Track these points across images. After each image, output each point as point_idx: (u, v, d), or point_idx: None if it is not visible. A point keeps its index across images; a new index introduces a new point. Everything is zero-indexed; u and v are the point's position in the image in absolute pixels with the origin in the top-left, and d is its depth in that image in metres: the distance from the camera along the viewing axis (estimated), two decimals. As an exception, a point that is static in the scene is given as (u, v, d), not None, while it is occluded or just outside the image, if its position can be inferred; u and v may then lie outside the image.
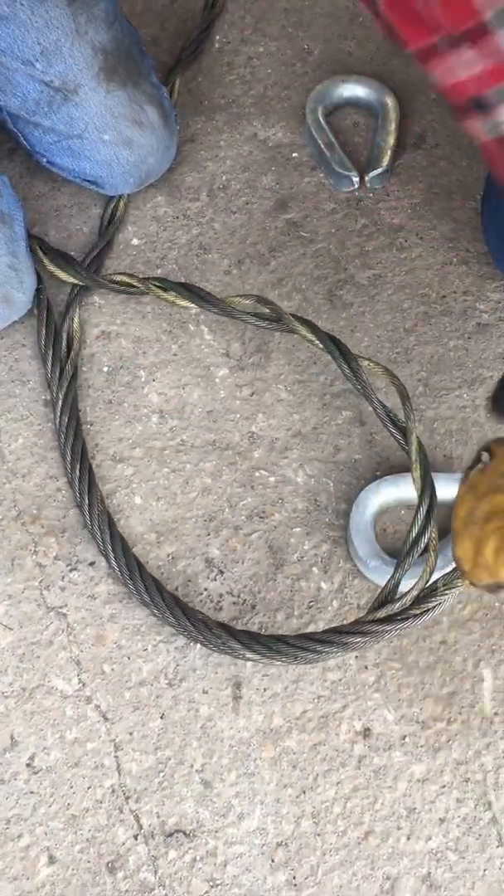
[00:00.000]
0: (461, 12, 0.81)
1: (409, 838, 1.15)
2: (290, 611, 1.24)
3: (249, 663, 1.21)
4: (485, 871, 1.15)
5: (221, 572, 1.26)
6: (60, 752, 1.17)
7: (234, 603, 1.25)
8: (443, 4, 0.81)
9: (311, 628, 1.23)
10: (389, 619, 1.13)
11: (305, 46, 1.61)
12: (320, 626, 1.24)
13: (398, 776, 1.17)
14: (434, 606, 1.12)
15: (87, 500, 1.25)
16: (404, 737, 1.19)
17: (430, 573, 1.15)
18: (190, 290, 1.31)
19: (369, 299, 1.42)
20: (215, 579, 1.26)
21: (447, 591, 1.12)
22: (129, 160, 1.36)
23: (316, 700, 1.20)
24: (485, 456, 1.03)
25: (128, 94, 1.32)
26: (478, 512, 1.00)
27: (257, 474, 1.31)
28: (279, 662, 1.16)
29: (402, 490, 1.26)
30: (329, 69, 1.58)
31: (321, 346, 1.26)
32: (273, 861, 1.14)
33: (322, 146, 1.49)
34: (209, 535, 1.28)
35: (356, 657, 1.21)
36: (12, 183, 1.36)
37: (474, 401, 1.36)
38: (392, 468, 1.31)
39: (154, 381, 1.35)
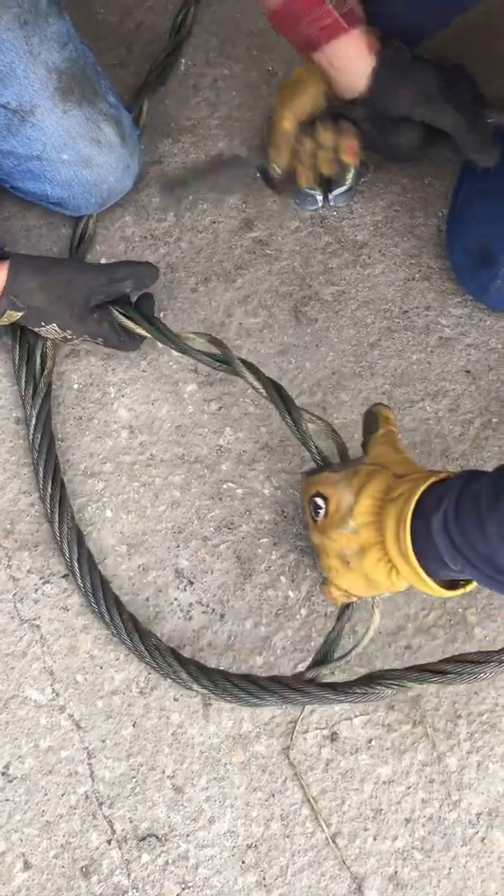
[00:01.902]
0: None
1: (375, 839, 1.21)
2: (259, 619, 1.31)
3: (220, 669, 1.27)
4: (450, 869, 1.21)
5: (191, 582, 1.32)
6: (35, 760, 1.23)
7: (203, 612, 1.31)
8: None
9: (279, 636, 1.30)
10: (332, 688, 1.18)
11: (270, 69, 1.68)
12: (289, 633, 1.30)
13: (365, 778, 1.24)
14: (376, 693, 1.16)
15: (57, 516, 1.31)
16: (370, 740, 1.25)
17: (374, 629, 1.19)
18: (149, 321, 1.36)
19: (333, 315, 1.49)
20: (185, 589, 1.32)
21: (392, 685, 1.16)
22: (89, 179, 1.42)
23: (283, 706, 1.26)
24: (320, 501, 1.15)
25: (84, 113, 1.38)
26: (348, 551, 1.11)
27: (225, 486, 1.38)
28: (223, 700, 1.22)
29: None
30: (293, 90, 1.65)
31: (264, 393, 1.29)
32: (243, 862, 1.20)
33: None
34: (178, 546, 1.34)
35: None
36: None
37: (437, 413, 1.43)
38: (357, 479, 1.38)
39: (123, 397, 1.42)
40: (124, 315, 1.35)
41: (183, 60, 1.67)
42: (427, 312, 1.50)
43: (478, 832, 1.23)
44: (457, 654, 1.16)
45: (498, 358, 1.46)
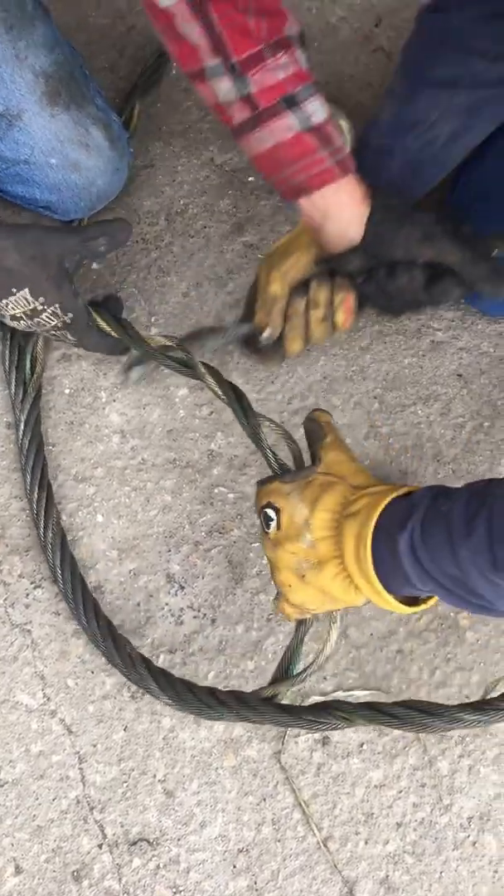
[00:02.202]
0: (274, 26, 1.12)
1: (367, 842, 1.22)
2: (250, 623, 1.31)
3: (211, 673, 1.28)
4: (441, 873, 1.22)
5: (182, 587, 1.33)
6: (26, 764, 1.23)
7: (194, 617, 1.31)
8: (268, 18, 1.11)
9: (270, 640, 1.30)
10: (286, 711, 1.16)
11: (261, 72, 1.68)
12: (280, 638, 1.31)
13: (356, 782, 1.24)
14: (327, 723, 1.14)
15: (43, 521, 1.31)
16: (362, 744, 1.26)
17: (331, 645, 1.16)
18: (121, 324, 1.33)
19: (325, 319, 1.49)
20: (176, 594, 1.32)
21: (343, 718, 1.13)
22: (78, 183, 1.42)
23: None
24: (271, 513, 1.12)
25: (72, 116, 1.38)
26: (304, 564, 1.09)
27: (216, 491, 1.38)
28: (185, 711, 1.21)
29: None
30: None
31: (224, 398, 1.26)
32: (235, 867, 1.20)
33: (278, 170, 1.56)
34: (170, 551, 1.35)
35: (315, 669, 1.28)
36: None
37: (429, 417, 1.43)
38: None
39: (115, 401, 1.42)
40: (94, 312, 1.33)
41: (174, 64, 1.68)
42: (419, 316, 1.50)
43: (469, 836, 1.23)
44: (411, 699, 1.14)
45: (490, 362, 1.47)
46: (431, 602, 1.07)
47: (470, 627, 1.32)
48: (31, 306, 1.26)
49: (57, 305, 1.26)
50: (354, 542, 1.03)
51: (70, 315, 1.27)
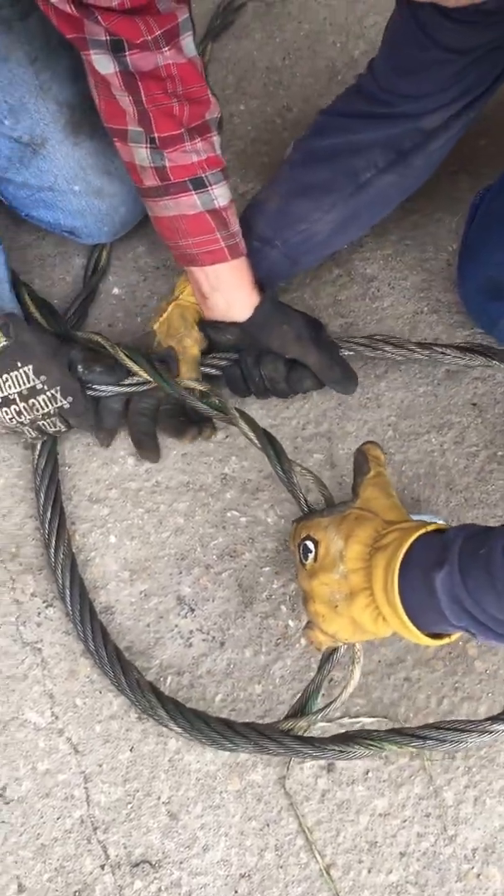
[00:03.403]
0: (197, 112, 1.20)
1: (370, 871, 1.18)
2: (259, 647, 1.28)
3: (218, 697, 1.24)
4: (444, 904, 1.17)
5: (192, 609, 1.30)
6: (32, 782, 1.20)
7: (203, 640, 1.28)
8: (192, 104, 1.19)
9: (278, 665, 1.27)
10: (308, 742, 1.14)
11: (285, 104, 1.67)
12: (288, 662, 1.27)
13: (361, 810, 1.20)
14: (352, 752, 1.12)
15: (54, 542, 1.29)
16: (367, 772, 1.22)
17: (353, 685, 1.15)
18: (151, 365, 1.32)
19: (342, 347, 1.46)
20: (186, 616, 1.29)
21: (370, 746, 1.12)
22: (101, 209, 1.41)
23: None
24: (310, 545, 1.11)
25: (95, 145, 1.37)
26: (337, 595, 1.08)
27: (229, 515, 1.35)
28: (197, 741, 1.18)
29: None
30: (307, 126, 1.63)
31: (257, 443, 1.25)
32: (236, 892, 1.16)
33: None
34: (181, 573, 1.32)
35: (322, 695, 1.24)
36: (-2, 233, 1.42)
37: (442, 445, 1.40)
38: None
39: (131, 424, 1.40)
40: (125, 354, 1.32)
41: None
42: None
43: (473, 868, 1.18)
44: (440, 720, 1.11)
45: (504, 392, 1.44)
46: (456, 637, 1.05)
47: (478, 657, 1.28)
48: (31, 385, 1.26)
49: (57, 388, 1.27)
50: (383, 574, 1.03)
51: (70, 399, 1.28)
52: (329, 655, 1.18)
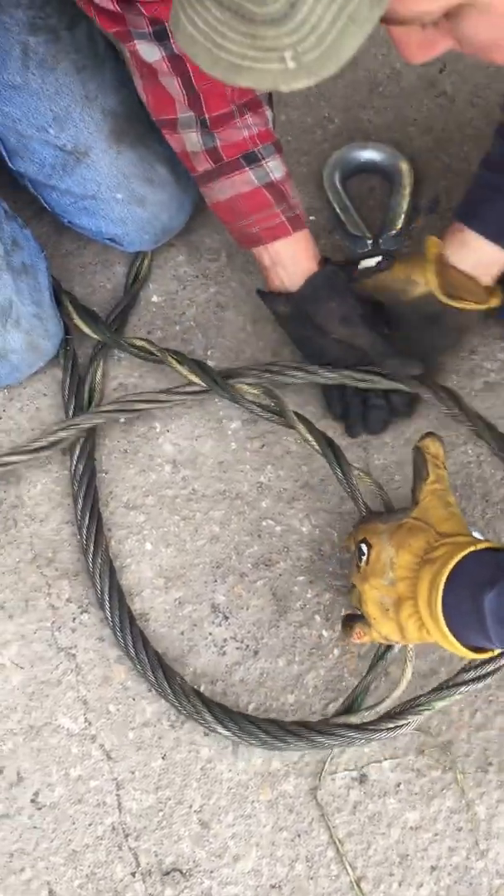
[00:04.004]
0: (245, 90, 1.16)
1: (400, 885, 1.14)
2: (292, 657, 1.25)
3: (251, 705, 1.22)
4: (475, 920, 1.14)
5: (226, 618, 1.27)
6: (64, 788, 1.18)
7: (237, 648, 1.25)
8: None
9: (311, 675, 1.24)
10: (359, 729, 1.14)
11: (326, 115, 1.64)
12: (321, 672, 1.24)
13: (392, 823, 1.17)
14: (404, 725, 1.14)
15: (92, 548, 1.27)
16: (399, 784, 1.19)
17: (405, 683, 1.15)
18: (203, 370, 1.31)
19: (379, 357, 1.43)
20: (220, 624, 1.27)
21: (421, 711, 1.14)
22: (143, 217, 1.39)
23: (310, 750, 1.20)
24: (364, 548, 1.11)
25: (138, 153, 1.35)
26: (386, 600, 1.07)
27: (264, 523, 1.32)
28: (247, 743, 1.17)
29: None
30: (348, 137, 1.61)
31: (317, 447, 1.24)
32: (266, 903, 1.14)
33: (338, 210, 1.51)
34: (216, 581, 1.29)
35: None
36: (40, 240, 1.39)
37: (479, 456, 1.36)
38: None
39: (168, 431, 1.37)
40: (173, 357, 1.31)
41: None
42: (473, 356, 1.43)
43: (505, 884, 1.15)
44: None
45: (543, 403, 1.40)
46: (499, 651, 1.04)
47: (513, 670, 1.24)
48: None
49: None
50: (427, 588, 1.01)
51: None
52: (382, 654, 1.18)
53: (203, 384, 1.31)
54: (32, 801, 1.18)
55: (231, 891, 1.14)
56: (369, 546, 1.11)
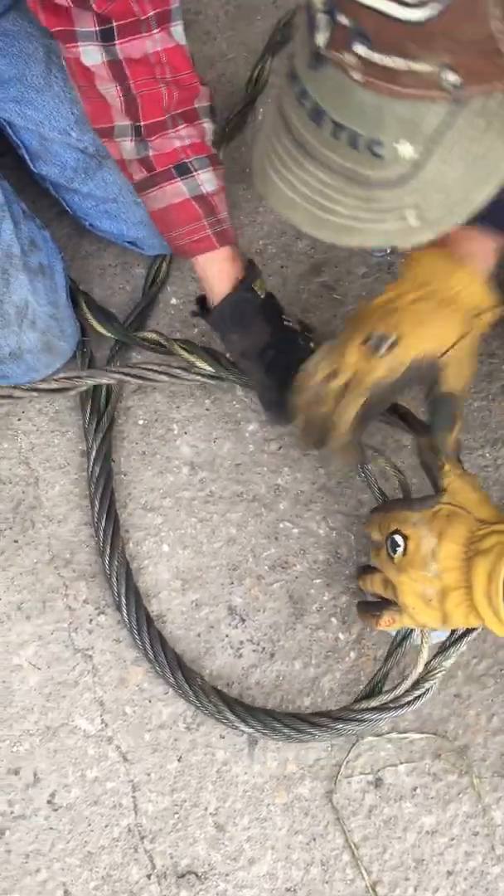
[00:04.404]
0: (185, 97, 1.15)
1: (416, 889, 1.12)
2: (308, 660, 1.23)
3: (267, 708, 1.19)
4: (491, 925, 1.11)
5: (243, 620, 1.25)
6: (80, 790, 1.16)
7: (253, 650, 1.23)
8: (180, 89, 1.15)
9: (327, 678, 1.22)
10: (381, 709, 1.13)
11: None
12: (337, 675, 1.22)
13: (408, 827, 1.15)
14: (423, 693, 1.12)
15: (109, 550, 1.25)
16: (415, 788, 1.16)
17: (425, 666, 1.13)
18: (213, 356, 1.30)
19: (397, 360, 1.41)
20: (237, 626, 1.25)
21: (435, 675, 1.13)
22: None
23: (329, 748, 1.18)
24: (399, 539, 1.06)
25: None
26: (430, 591, 1.03)
27: (281, 526, 1.30)
28: (270, 739, 1.15)
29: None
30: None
31: None
32: (281, 906, 1.11)
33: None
34: (232, 583, 1.27)
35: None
36: (59, 242, 1.37)
37: (496, 460, 1.34)
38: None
39: (186, 433, 1.35)
40: (185, 350, 1.29)
41: (260, 110, 1.62)
42: (491, 360, 1.41)
43: (521, 889, 1.13)
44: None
45: None
46: None
47: (530, 675, 1.22)
48: None
49: None
50: (485, 580, 0.98)
51: None
52: (400, 642, 1.17)
53: (210, 368, 1.29)
54: (49, 802, 1.16)
55: (246, 894, 1.12)
56: (405, 537, 1.06)
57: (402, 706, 1.12)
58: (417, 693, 1.12)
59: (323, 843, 1.14)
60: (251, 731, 1.14)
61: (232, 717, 1.15)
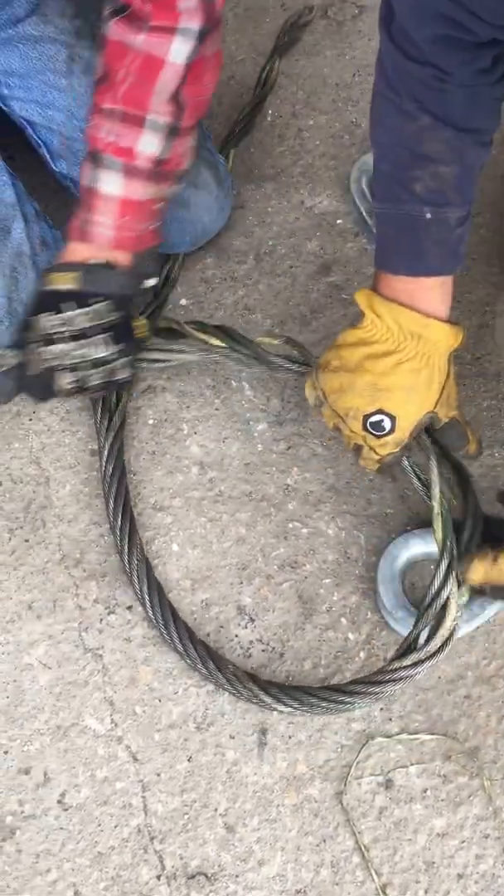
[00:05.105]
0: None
1: (427, 892, 1.08)
2: (318, 660, 1.19)
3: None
4: (502, 928, 1.08)
5: (252, 620, 1.21)
6: (90, 790, 1.13)
7: (263, 650, 1.20)
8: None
9: (337, 678, 1.18)
10: (414, 665, 1.09)
11: (354, 120, 1.57)
12: (347, 676, 1.18)
13: (418, 829, 1.11)
14: (448, 639, 1.10)
15: (127, 547, 1.21)
16: (426, 790, 1.12)
17: (453, 626, 1.09)
18: (224, 332, 1.26)
19: (406, 360, 1.37)
20: (246, 626, 1.21)
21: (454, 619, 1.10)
22: (186, 218, 1.34)
23: (339, 749, 1.14)
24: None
25: None
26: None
27: (291, 525, 1.26)
28: (311, 714, 1.12)
29: (431, 544, 1.20)
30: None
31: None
32: (291, 908, 1.08)
33: (365, 213, 1.45)
34: (242, 583, 1.23)
35: (381, 709, 1.16)
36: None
37: (506, 460, 1.30)
38: (423, 523, 1.25)
39: (196, 433, 1.32)
40: (195, 328, 1.25)
41: (269, 112, 1.58)
42: (500, 359, 1.37)
43: (532, 892, 1.09)
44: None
45: None
46: None
47: (540, 675, 1.18)
48: None
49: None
50: None
51: None
52: (430, 603, 1.10)
53: (223, 344, 1.25)
54: (59, 801, 1.12)
55: (256, 895, 1.08)
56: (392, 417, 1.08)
57: (434, 656, 1.09)
58: (447, 645, 1.10)
59: (333, 845, 1.10)
60: (290, 710, 1.11)
61: (268, 700, 1.11)
